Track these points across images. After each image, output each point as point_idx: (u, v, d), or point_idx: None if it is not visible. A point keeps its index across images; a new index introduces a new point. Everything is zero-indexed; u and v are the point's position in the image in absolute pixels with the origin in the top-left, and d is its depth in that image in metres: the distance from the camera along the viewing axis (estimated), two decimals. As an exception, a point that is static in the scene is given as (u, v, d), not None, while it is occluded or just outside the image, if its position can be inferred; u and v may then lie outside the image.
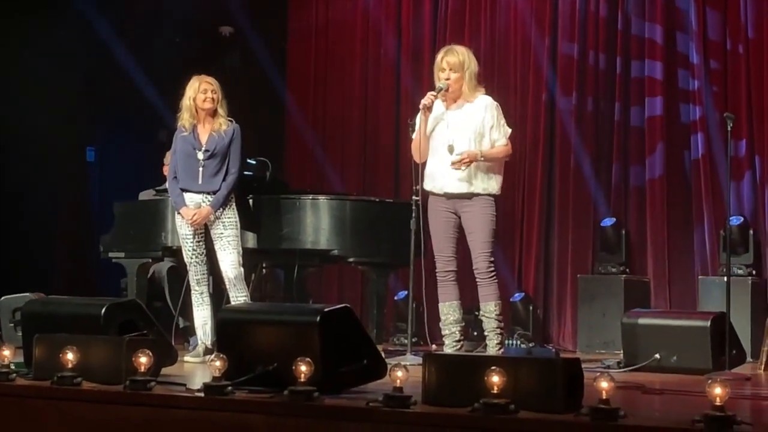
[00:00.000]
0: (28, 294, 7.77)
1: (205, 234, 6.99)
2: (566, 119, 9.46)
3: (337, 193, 9.22)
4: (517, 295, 9.18)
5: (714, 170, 8.81)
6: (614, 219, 9.08)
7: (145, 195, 8.20)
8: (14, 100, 9.97)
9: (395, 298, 9.38)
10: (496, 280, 6.37)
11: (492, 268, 6.34)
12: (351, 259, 7.72)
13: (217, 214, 6.91)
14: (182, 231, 6.98)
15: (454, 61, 6.39)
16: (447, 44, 9.92)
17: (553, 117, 9.46)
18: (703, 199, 8.82)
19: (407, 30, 10.40)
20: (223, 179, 6.93)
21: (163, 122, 10.56)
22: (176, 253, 7.62)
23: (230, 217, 6.97)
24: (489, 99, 6.43)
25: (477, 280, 6.38)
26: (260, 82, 10.74)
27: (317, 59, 10.88)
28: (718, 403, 3.73)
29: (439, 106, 6.50)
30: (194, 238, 6.95)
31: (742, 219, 8.36)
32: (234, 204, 7.02)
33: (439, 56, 6.48)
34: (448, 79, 6.38)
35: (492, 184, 6.38)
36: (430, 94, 6.41)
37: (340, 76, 10.74)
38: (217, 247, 6.95)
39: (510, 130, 6.49)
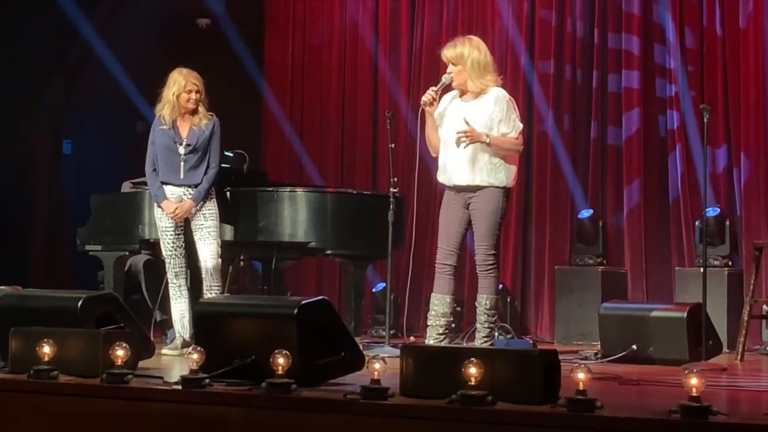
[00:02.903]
0: (4, 287, 7.70)
1: (184, 227, 6.98)
2: (543, 111, 9.47)
3: (315, 186, 9.22)
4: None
5: (690, 162, 8.84)
6: (591, 210, 9.09)
7: (127, 186, 8.16)
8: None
9: (373, 290, 9.38)
10: (493, 274, 6.33)
11: (489, 262, 6.30)
12: (329, 252, 7.71)
13: (197, 206, 6.91)
14: (162, 224, 6.96)
15: (451, 55, 6.38)
16: (425, 35, 10.09)
17: (531, 108, 9.46)
18: (680, 190, 8.86)
19: (384, 21, 10.39)
20: (204, 173, 6.93)
21: (139, 114, 10.54)
22: (153, 246, 7.60)
23: (210, 208, 6.98)
24: (501, 92, 6.36)
25: (477, 271, 6.39)
26: (237, 74, 10.71)
27: (294, 50, 10.85)
28: (694, 394, 3.76)
29: (449, 98, 6.49)
30: (174, 231, 6.94)
31: (718, 210, 8.39)
32: (214, 196, 7.02)
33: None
34: (450, 73, 6.38)
35: (500, 176, 6.30)
36: (430, 90, 6.41)
37: (318, 68, 10.72)
38: (197, 237, 6.95)
39: (522, 126, 6.42)
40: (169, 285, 7.01)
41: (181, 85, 6.88)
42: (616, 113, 9.25)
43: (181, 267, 7.00)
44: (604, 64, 9.31)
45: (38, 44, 10.25)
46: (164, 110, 6.92)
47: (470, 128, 6.23)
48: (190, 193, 6.91)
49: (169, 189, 6.93)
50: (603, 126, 9.30)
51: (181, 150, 6.90)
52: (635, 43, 9.16)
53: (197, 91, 6.91)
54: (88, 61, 10.39)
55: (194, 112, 6.94)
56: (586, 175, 9.32)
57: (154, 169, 6.97)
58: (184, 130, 6.94)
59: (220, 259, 6.98)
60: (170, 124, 6.91)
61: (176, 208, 6.87)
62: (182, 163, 6.90)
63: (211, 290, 6.89)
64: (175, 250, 6.96)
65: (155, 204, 6.99)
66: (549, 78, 9.48)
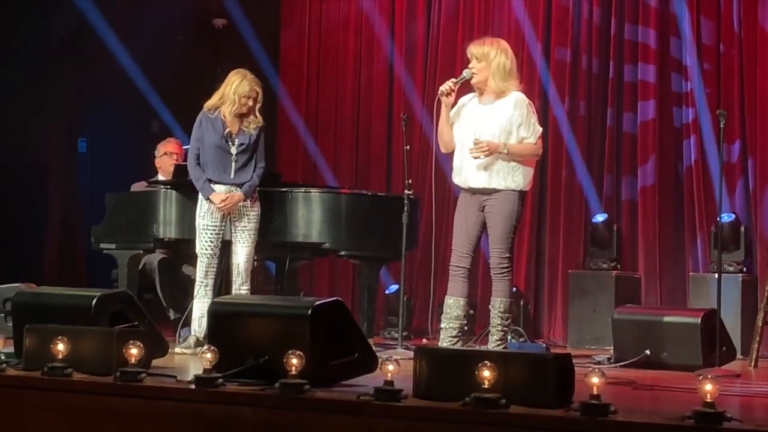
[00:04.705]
0: (18, 284, 7.75)
1: (224, 227, 7.00)
2: (558, 114, 9.45)
3: (329, 187, 9.23)
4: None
5: (706, 167, 8.80)
6: (606, 215, 9.07)
7: (138, 187, 8.18)
8: (5, 91, 9.94)
9: (386, 291, 9.38)
10: (507, 278, 6.32)
11: (504, 265, 6.30)
12: (342, 253, 7.72)
13: (244, 204, 6.96)
14: (203, 221, 6.97)
15: (477, 52, 6.38)
16: (441, 38, 10.09)
17: (546, 111, 9.44)
18: (695, 195, 8.82)
19: (400, 23, 10.38)
20: (253, 170, 7.01)
21: (155, 113, 10.56)
22: (168, 244, 7.61)
23: (255, 210, 7.06)
24: (521, 96, 6.35)
25: (491, 274, 6.38)
26: (253, 74, 10.71)
27: (310, 51, 10.85)
28: (708, 400, 3.75)
29: (468, 98, 6.49)
30: (216, 230, 6.96)
31: (733, 216, 8.37)
32: (258, 198, 7.06)
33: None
34: (472, 68, 6.37)
35: (517, 179, 6.30)
36: (449, 81, 6.40)
37: (333, 69, 10.72)
38: (236, 238, 7.00)
39: (541, 130, 6.42)
40: (196, 283, 7.00)
41: (245, 89, 6.94)
42: (631, 103, 9.22)
43: (213, 267, 7.00)
44: (620, 54, 9.27)
45: (53, 42, 10.28)
46: (225, 108, 6.95)
47: (486, 143, 6.22)
48: (237, 191, 6.96)
49: (216, 187, 6.96)
50: (619, 114, 9.26)
51: (233, 150, 6.95)
52: (652, 36, 9.12)
53: (255, 99, 6.97)
54: (104, 59, 10.41)
55: (245, 114, 7.00)
56: (601, 166, 9.26)
57: (198, 163, 7.00)
58: (234, 130, 6.99)
59: (251, 262, 7.03)
60: (230, 122, 6.95)
61: (227, 198, 6.89)
62: (233, 163, 6.95)
63: (240, 290, 6.94)
64: (212, 249, 6.97)
65: (201, 198, 6.97)
66: (565, 66, 9.44)
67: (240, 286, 6.96)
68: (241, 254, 6.99)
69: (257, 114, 7.04)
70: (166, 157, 8.19)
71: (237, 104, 6.94)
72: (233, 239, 7.00)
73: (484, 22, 9.87)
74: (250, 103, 6.97)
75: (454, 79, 6.42)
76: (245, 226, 7.01)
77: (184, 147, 8.24)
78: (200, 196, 6.99)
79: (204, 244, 6.97)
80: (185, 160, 7.84)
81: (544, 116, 9.27)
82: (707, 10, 8.90)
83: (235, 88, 6.94)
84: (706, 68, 8.88)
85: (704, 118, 8.81)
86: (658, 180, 9.05)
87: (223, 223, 6.99)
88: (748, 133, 8.68)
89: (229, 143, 6.96)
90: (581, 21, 9.44)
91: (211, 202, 6.94)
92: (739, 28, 8.74)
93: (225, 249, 7.06)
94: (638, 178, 9.13)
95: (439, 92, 6.41)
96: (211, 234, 6.97)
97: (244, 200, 6.98)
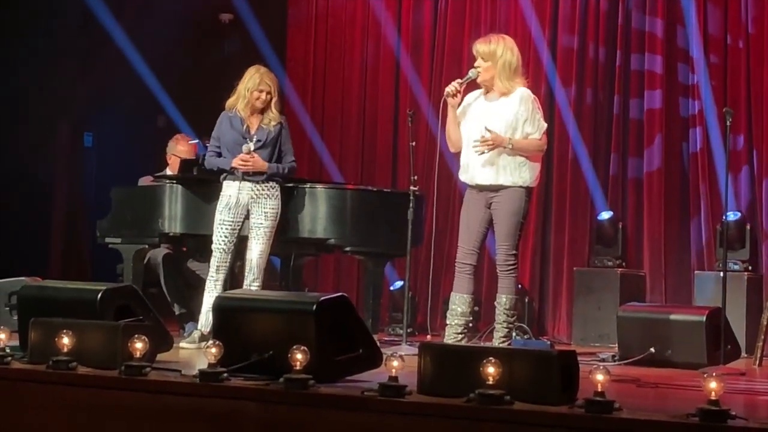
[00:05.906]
0: (23, 278, 7.75)
1: (241, 224, 7.01)
2: (565, 112, 9.45)
3: (335, 182, 9.22)
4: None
5: (712, 165, 8.80)
6: (611, 212, 9.07)
7: (145, 182, 8.18)
8: (12, 85, 9.95)
9: (391, 288, 9.38)
10: (513, 274, 6.30)
11: (510, 262, 6.28)
12: (348, 249, 7.71)
13: (261, 203, 6.96)
14: (221, 216, 6.98)
15: (483, 50, 6.36)
16: (447, 35, 10.09)
17: (552, 109, 9.43)
18: (701, 193, 8.82)
19: (407, 19, 10.39)
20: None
21: (161, 108, 10.57)
22: (173, 239, 7.61)
23: (273, 207, 7.03)
24: (526, 92, 6.33)
25: (497, 271, 6.38)
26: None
27: (317, 48, 10.86)
28: (713, 398, 3.75)
29: (475, 96, 6.48)
30: (231, 226, 6.96)
31: (739, 214, 8.36)
32: (279, 196, 7.05)
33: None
34: (478, 68, 6.37)
35: (524, 175, 6.28)
36: (455, 82, 6.39)
37: (340, 65, 10.72)
38: (251, 235, 6.99)
39: (546, 125, 6.40)
40: (208, 278, 7.00)
41: (255, 82, 6.95)
42: (638, 92, 9.21)
43: (225, 263, 6.99)
44: (627, 43, 9.27)
45: (59, 36, 10.29)
46: (238, 104, 6.98)
47: (493, 135, 6.21)
48: (257, 188, 6.96)
49: (233, 183, 6.96)
50: (625, 102, 9.26)
51: (251, 146, 6.94)
52: (659, 25, 9.12)
53: (268, 92, 6.97)
54: (110, 53, 10.42)
55: (264, 110, 7.01)
56: (607, 176, 9.26)
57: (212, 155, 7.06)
58: (253, 126, 7.00)
59: (266, 258, 7.03)
60: (245, 118, 6.96)
61: (250, 156, 6.87)
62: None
63: (251, 286, 6.94)
64: (226, 244, 6.97)
65: (221, 194, 6.98)
66: (572, 54, 9.45)
67: (251, 282, 6.96)
68: (255, 250, 6.98)
69: (273, 109, 7.03)
70: (175, 155, 8.19)
71: (248, 98, 6.94)
72: (249, 235, 7.01)
73: (491, 13, 9.87)
74: (263, 96, 6.96)
75: (459, 80, 6.41)
76: (261, 223, 6.99)
77: (190, 142, 8.25)
78: (221, 192, 6.99)
79: (218, 239, 6.98)
80: (194, 155, 7.87)
81: (549, 104, 9.27)
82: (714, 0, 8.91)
83: (246, 83, 6.96)
84: (713, 62, 8.88)
85: (710, 111, 8.80)
86: (664, 178, 9.03)
87: (240, 220, 6.99)
88: (755, 132, 8.68)
89: (246, 139, 6.96)
90: (588, 9, 9.44)
91: (234, 169, 6.92)
92: (746, 17, 8.72)
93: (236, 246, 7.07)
94: (644, 177, 9.12)
95: (445, 93, 6.40)
96: (226, 230, 6.97)
97: (267, 171, 6.93)
